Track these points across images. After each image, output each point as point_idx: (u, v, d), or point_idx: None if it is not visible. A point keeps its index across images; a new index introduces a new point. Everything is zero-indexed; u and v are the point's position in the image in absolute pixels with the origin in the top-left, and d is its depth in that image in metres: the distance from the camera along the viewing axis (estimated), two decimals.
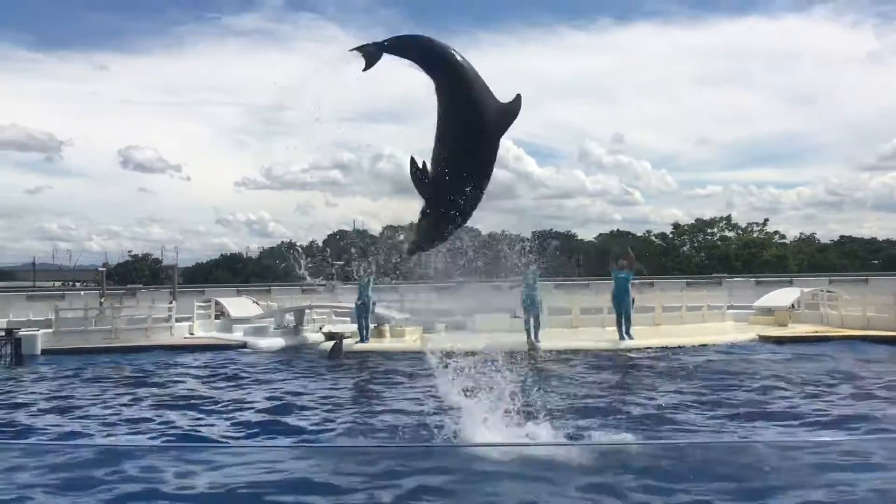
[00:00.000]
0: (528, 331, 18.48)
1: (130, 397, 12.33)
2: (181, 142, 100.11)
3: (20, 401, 12.20)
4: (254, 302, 25.38)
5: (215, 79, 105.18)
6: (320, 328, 22.41)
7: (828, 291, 24.27)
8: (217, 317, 23.82)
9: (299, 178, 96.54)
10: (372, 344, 19.47)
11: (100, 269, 31.18)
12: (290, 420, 10.20)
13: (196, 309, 23.26)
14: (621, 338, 18.85)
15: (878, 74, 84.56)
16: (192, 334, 22.09)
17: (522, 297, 18.64)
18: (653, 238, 69.96)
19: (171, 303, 23.76)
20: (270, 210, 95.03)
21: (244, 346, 19.90)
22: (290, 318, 22.06)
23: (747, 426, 9.27)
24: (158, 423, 10.07)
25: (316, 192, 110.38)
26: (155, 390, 13.02)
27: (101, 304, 23.48)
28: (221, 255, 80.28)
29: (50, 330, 20.04)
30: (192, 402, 11.79)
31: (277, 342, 20.16)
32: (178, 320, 22.41)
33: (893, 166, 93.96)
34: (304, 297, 30.20)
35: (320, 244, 76.95)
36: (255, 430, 9.62)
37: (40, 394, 12.92)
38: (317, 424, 9.96)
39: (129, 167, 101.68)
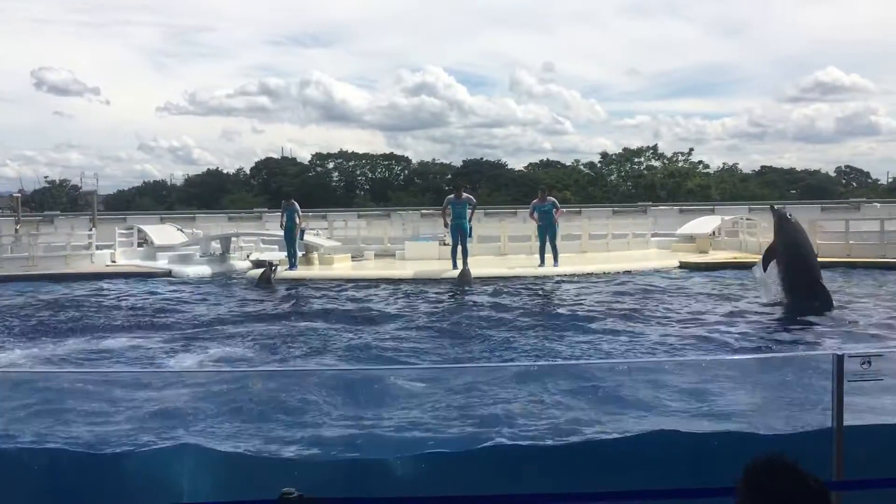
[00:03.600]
0: (454, 257, 18.59)
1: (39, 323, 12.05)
2: (99, 63, 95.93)
3: None
4: (178, 229, 24.83)
5: None
6: (247, 256, 22.15)
7: (747, 220, 25.03)
8: (140, 245, 23.28)
9: (225, 104, 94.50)
10: (301, 271, 19.34)
11: (14, 194, 30.04)
12: (214, 345, 10.12)
13: (118, 236, 22.68)
14: (542, 265, 19.08)
15: (806, 7, 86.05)
16: (113, 262, 21.57)
17: (450, 225, 18.68)
18: (581, 167, 70.85)
19: (90, 230, 23.08)
20: (195, 136, 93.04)
21: (169, 273, 19.55)
22: (216, 245, 21.68)
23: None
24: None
25: (242, 119, 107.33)
26: (74, 315, 12.75)
27: (16, 231, 22.66)
28: (144, 182, 78.35)
29: None
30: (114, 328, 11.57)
31: (203, 270, 19.87)
32: (98, 248, 21.84)
33: (815, 98, 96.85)
34: (230, 225, 29.78)
35: (247, 171, 75.76)
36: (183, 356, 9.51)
37: None
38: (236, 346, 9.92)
39: (42, 89, 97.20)
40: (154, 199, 70.55)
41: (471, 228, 19.03)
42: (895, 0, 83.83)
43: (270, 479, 4.45)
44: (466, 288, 16.46)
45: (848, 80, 77.43)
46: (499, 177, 69.41)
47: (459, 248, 18.49)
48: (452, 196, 18.97)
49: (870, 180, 72.12)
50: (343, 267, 20.50)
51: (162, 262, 21.05)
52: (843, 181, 73.10)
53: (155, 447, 4.98)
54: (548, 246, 19.28)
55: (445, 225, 19.00)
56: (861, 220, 26.42)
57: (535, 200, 19.85)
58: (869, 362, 3.97)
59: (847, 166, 75.93)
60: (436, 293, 15.69)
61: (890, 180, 67.24)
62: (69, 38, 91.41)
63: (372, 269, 20.56)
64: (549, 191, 21.76)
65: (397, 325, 11.68)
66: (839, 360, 3.99)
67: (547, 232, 19.30)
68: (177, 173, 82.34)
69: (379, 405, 5.58)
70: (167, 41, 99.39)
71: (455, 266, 18.33)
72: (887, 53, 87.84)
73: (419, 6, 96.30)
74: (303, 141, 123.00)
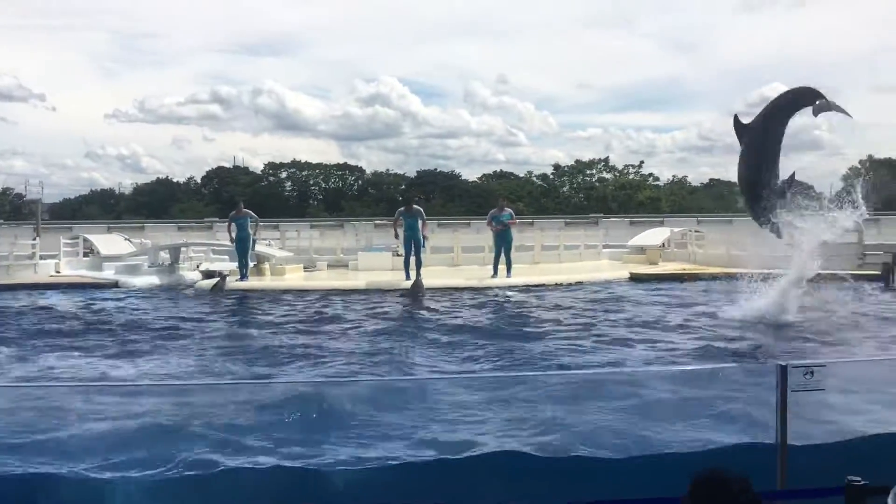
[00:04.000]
0: (407, 268, 18.56)
1: None
2: (45, 69, 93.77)
3: None
4: (125, 239, 24.32)
5: (80, 1, 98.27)
6: (197, 266, 21.79)
7: (695, 231, 25.47)
8: (86, 255, 22.74)
9: (175, 112, 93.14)
10: (252, 282, 19.09)
11: None
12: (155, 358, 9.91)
13: (63, 246, 22.14)
14: (495, 275, 19.13)
15: (752, 24, 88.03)
16: (58, 272, 21.05)
17: (403, 237, 18.68)
18: (534, 179, 71.43)
19: (34, 239, 22.50)
20: (144, 144, 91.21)
21: (115, 284, 19.13)
22: (165, 255, 21.28)
23: None
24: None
25: (193, 127, 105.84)
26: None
27: None
28: (91, 190, 76.59)
29: None
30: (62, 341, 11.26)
31: (151, 280, 19.47)
32: (42, 258, 21.29)
33: None
34: (180, 235, 29.28)
35: (198, 180, 74.64)
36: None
37: None
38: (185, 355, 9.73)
39: None
40: (101, 207, 69.07)
41: (425, 239, 19.06)
42: (835, 19, 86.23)
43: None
44: (421, 297, 16.44)
45: None
46: (452, 188, 69.54)
47: (413, 259, 18.49)
48: (403, 209, 18.99)
49: (813, 194, 73.93)
50: (295, 277, 20.30)
51: (108, 273, 20.59)
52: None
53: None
54: (502, 257, 19.36)
55: (396, 236, 19.03)
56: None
57: (493, 210, 19.95)
58: (812, 373, 4.05)
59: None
60: (388, 304, 15.62)
61: (832, 194, 69.10)
62: (13, 42, 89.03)
63: (324, 279, 20.38)
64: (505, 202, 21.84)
65: (347, 335, 11.61)
66: (783, 370, 4.06)
67: (503, 242, 19.39)
68: (125, 182, 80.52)
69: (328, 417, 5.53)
70: (116, 47, 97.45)
71: (408, 277, 18.30)
72: (831, 70, 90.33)
73: (373, 16, 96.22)
74: (255, 150, 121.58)
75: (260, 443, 5.29)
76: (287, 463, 4.97)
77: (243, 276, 19.23)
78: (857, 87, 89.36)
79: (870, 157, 63.81)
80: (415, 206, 19.24)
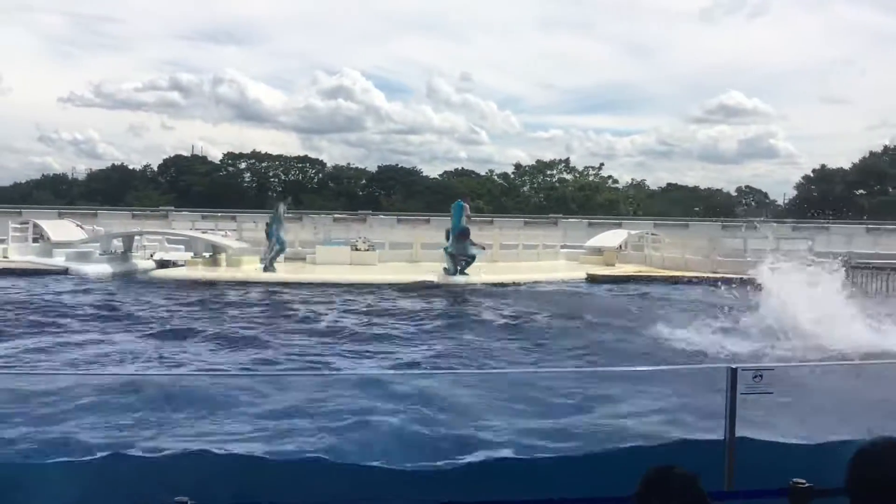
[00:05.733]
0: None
1: None
2: None
3: None
4: (77, 225, 23.83)
5: None
6: (151, 255, 21.44)
7: (652, 234, 25.81)
8: (35, 240, 22.21)
9: (133, 98, 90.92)
10: (202, 272, 18.84)
11: None
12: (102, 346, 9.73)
13: (11, 231, 21.61)
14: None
15: (709, 32, 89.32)
16: (5, 258, 20.53)
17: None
18: (495, 178, 71.65)
19: None
20: (100, 130, 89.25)
21: (66, 271, 18.71)
22: (118, 243, 20.87)
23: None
24: None
25: (151, 114, 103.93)
26: None
27: None
28: (43, 175, 74.84)
29: None
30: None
31: (103, 269, 19.07)
32: None
33: (718, 120, 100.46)
34: (134, 223, 28.79)
35: (155, 168, 73.47)
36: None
37: None
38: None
39: None
40: (54, 193, 67.52)
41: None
42: (791, 29, 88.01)
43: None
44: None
45: (749, 105, 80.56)
46: (413, 184, 69.43)
47: None
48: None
49: (767, 201, 75.42)
50: (251, 269, 20.09)
51: (59, 260, 20.14)
52: (743, 201, 76.19)
53: None
54: None
55: None
56: (758, 238, 27.57)
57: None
58: (761, 376, 4.10)
59: (747, 186, 79.19)
60: (345, 299, 15.54)
61: (786, 202, 70.47)
62: None
63: (281, 272, 20.18)
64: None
65: (294, 330, 11.55)
66: (733, 373, 4.11)
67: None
68: (79, 167, 78.71)
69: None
70: (72, 29, 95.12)
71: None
72: (785, 80, 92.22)
73: (337, 8, 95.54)
74: (214, 139, 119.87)
75: None
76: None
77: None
78: (809, 98, 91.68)
79: (823, 166, 65.51)
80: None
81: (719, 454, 4.14)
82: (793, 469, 3.75)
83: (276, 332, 11.13)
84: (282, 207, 20.44)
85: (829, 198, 62.85)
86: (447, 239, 19.31)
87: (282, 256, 20.45)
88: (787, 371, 5.68)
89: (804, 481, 3.62)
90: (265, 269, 19.11)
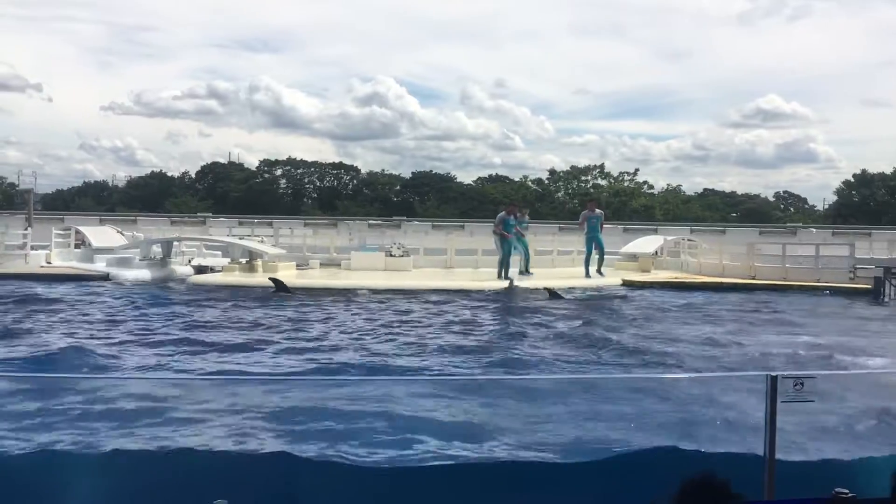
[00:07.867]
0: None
1: None
2: (41, 59, 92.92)
3: None
4: (118, 231, 24.26)
5: None
6: (189, 261, 21.73)
7: (688, 240, 25.53)
8: (77, 246, 22.64)
9: (172, 106, 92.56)
10: (240, 277, 19.04)
11: None
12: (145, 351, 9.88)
13: (54, 237, 22.05)
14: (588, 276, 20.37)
15: (747, 35, 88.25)
16: (49, 263, 20.95)
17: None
18: (529, 183, 71.45)
19: (26, 229, 22.41)
20: (139, 137, 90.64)
21: (107, 277, 19.03)
22: (157, 249, 21.19)
23: None
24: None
25: (189, 121, 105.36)
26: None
27: None
28: (85, 182, 76.28)
29: None
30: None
31: (143, 274, 19.36)
32: (33, 248, 21.19)
33: (756, 124, 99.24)
34: (173, 229, 29.24)
35: (193, 175, 74.51)
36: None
37: None
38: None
39: None
40: (94, 199, 68.81)
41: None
42: (833, 32, 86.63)
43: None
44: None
45: (788, 108, 79.36)
46: (447, 189, 69.49)
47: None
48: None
49: (807, 206, 74.26)
50: (287, 275, 20.22)
51: (100, 265, 20.50)
52: (782, 206, 75.11)
53: None
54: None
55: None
56: (797, 244, 27.19)
57: (585, 211, 21.49)
58: (801, 384, 4.04)
59: (785, 192, 78.07)
60: (381, 304, 15.61)
61: (826, 206, 69.32)
62: (10, 32, 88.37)
63: (316, 278, 20.34)
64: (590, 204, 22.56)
65: (331, 334, 11.62)
66: (773, 381, 4.05)
67: (594, 241, 20.85)
68: (119, 174, 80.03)
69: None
70: (112, 39, 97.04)
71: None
72: (826, 83, 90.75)
73: (371, 17, 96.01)
74: (251, 146, 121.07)
75: None
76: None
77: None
78: (850, 101, 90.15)
79: (863, 170, 64.27)
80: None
81: (759, 463, 4.09)
82: (835, 479, 3.70)
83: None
84: None
85: (870, 203, 61.71)
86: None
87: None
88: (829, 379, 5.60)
89: (847, 491, 3.57)
90: None
